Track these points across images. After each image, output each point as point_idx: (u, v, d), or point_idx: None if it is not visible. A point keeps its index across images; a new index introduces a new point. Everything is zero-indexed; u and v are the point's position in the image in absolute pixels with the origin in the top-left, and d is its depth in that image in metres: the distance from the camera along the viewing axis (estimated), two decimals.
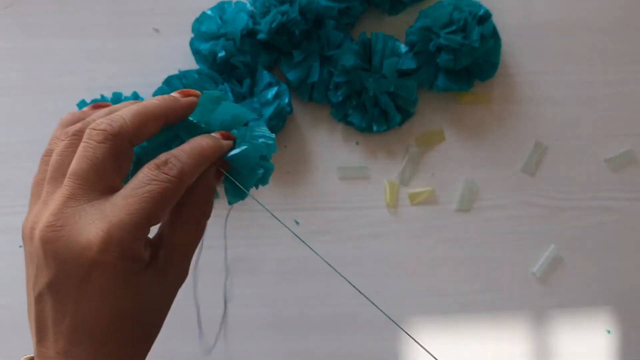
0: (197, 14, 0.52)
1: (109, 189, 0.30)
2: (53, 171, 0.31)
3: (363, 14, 0.54)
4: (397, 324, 0.38)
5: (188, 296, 0.53)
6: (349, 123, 0.53)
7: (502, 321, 0.53)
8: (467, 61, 0.50)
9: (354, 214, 0.53)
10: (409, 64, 0.51)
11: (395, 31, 0.53)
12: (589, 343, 0.53)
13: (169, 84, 0.51)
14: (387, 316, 0.42)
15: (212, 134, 0.33)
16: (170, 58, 0.54)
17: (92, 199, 0.29)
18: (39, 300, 0.30)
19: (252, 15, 0.51)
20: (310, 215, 0.53)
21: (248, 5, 0.52)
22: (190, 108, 0.33)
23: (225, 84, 0.50)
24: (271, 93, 0.51)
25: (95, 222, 0.29)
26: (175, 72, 0.52)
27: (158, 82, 0.51)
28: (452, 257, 0.53)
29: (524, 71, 0.54)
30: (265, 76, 0.51)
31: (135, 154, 0.33)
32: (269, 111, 0.50)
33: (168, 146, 0.33)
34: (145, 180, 0.30)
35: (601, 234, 0.53)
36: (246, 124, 0.35)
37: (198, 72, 0.51)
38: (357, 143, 0.54)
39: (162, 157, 0.31)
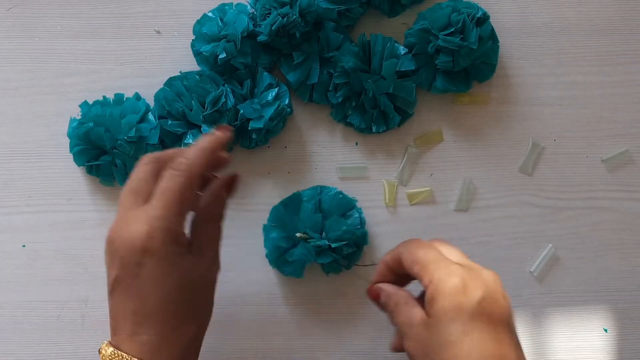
0: (199, 16, 0.53)
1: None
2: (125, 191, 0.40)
3: (362, 16, 0.54)
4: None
5: None
6: (348, 124, 0.53)
7: None
8: (466, 63, 0.50)
9: None
10: (408, 65, 0.51)
11: (394, 33, 0.53)
12: (585, 342, 0.53)
13: (171, 85, 0.51)
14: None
15: (211, 130, 0.43)
16: (171, 59, 0.54)
17: (138, 207, 0.38)
18: (111, 296, 0.38)
19: (252, 17, 0.51)
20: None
21: (249, 7, 0.53)
22: (228, 139, 0.42)
23: (226, 85, 0.51)
24: (271, 94, 0.51)
25: (141, 220, 0.37)
26: (177, 73, 0.52)
27: (159, 83, 0.52)
28: None
29: (522, 72, 0.55)
30: (266, 77, 0.51)
31: None
32: (269, 112, 0.50)
33: None
34: (164, 180, 0.38)
35: (598, 234, 0.54)
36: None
37: (199, 73, 0.51)
38: (356, 143, 0.54)
39: (175, 159, 0.39)
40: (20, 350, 0.53)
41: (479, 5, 0.51)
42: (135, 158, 0.51)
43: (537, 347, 0.53)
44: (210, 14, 0.52)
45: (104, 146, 0.50)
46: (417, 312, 0.38)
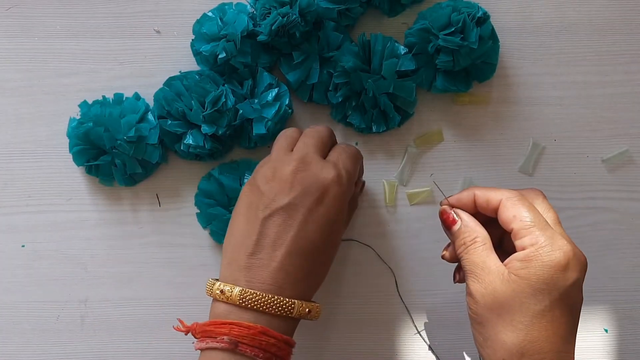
0: (198, 16, 0.52)
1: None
2: (306, 140, 0.45)
3: (362, 15, 0.54)
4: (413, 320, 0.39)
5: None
6: (348, 124, 0.53)
7: None
8: (466, 62, 0.50)
9: (354, 213, 0.53)
10: (408, 65, 0.51)
11: (394, 33, 0.53)
12: (586, 342, 0.53)
13: (170, 85, 0.51)
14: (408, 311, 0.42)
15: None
16: (171, 59, 0.54)
17: (323, 158, 0.44)
18: (266, 220, 0.41)
19: (252, 17, 0.51)
20: None
21: (248, 7, 0.53)
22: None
23: (226, 85, 0.51)
24: (271, 94, 0.51)
25: (330, 168, 0.42)
26: (177, 73, 0.52)
27: (159, 83, 0.52)
28: None
29: (522, 72, 0.54)
30: (266, 77, 0.51)
31: None
32: (270, 112, 0.50)
33: None
34: (345, 151, 0.45)
35: (598, 234, 0.54)
36: None
37: (199, 73, 0.51)
38: (356, 143, 0.54)
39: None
40: (20, 350, 0.53)
41: (479, 4, 0.51)
42: (135, 158, 0.51)
43: None
44: (210, 14, 0.52)
45: (104, 146, 0.50)
46: (494, 260, 0.39)
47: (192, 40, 0.52)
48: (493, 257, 0.39)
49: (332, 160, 0.43)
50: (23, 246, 0.53)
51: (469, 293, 0.40)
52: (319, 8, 0.51)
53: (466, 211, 0.42)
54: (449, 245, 0.44)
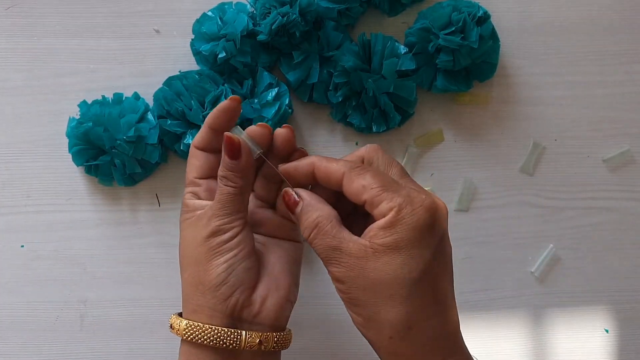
0: (198, 15, 0.52)
1: None
2: None
3: (362, 15, 0.54)
4: None
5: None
6: (348, 123, 0.53)
7: (501, 320, 0.53)
8: (466, 62, 0.50)
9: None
10: (408, 64, 0.51)
11: (394, 32, 0.53)
12: (586, 342, 0.53)
13: (170, 84, 0.51)
14: None
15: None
16: (171, 59, 0.54)
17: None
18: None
19: (252, 17, 0.51)
20: None
21: (248, 7, 0.53)
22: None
23: (225, 85, 0.51)
24: (271, 94, 0.51)
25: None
26: (176, 72, 0.52)
27: (159, 82, 0.52)
28: None
29: (523, 72, 0.54)
30: (266, 77, 0.51)
31: None
32: (270, 112, 0.50)
33: None
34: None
35: (599, 234, 0.54)
36: None
37: (199, 72, 0.51)
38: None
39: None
40: (19, 351, 0.53)
41: (479, 4, 0.51)
42: (134, 158, 0.51)
43: (538, 347, 0.53)
44: (209, 13, 0.52)
45: (103, 146, 0.50)
46: (350, 237, 0.35)
47: (192, 39, 0.52)
48: (346, 235, 0.35)
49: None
50: (22, 246, 0.53)
51: (334, 279, 0.36)
52: (319, 7, 0.51)
53: (307, 183, 0.38)
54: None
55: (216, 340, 0.37)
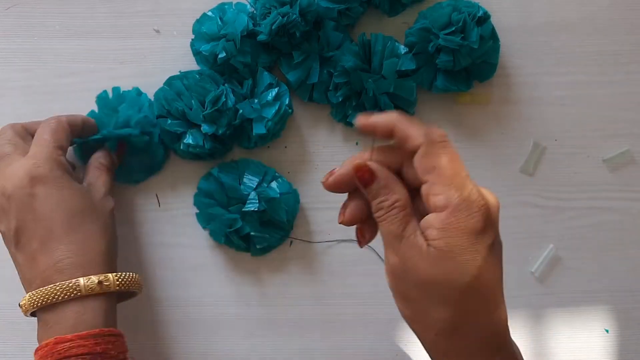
0: (198, 15, 0.52)
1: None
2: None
3: (363, 15, 0.54)
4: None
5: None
6: (348, 123, 0.53)
7: None
8: (466, 62, 0.50)
9: None
10: (409, 64, 0.51)
11: (394, 32, 0.53)
12: (587, 342, 0.53)
13: (170, 84, 0.51)
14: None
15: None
16: (171, 59, 0.54)
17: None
18: (17, 248, 0.44)
19: (252, 17, 0.51)
20: (311, 215, 0.53)
21: (248, 7, 0.53)
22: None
23: (226, 85, 0.51)
24: (271, 94, 0.51)
25: (22, 160, 0.43)
26: (176, 72, 0.52)
27: (159, 82, 0.52)
28: None
29: (523, 72, 0.54)
30: (266, 77, 0.51)
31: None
32: (270, 112, 0.50)
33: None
34: (38, 130, 0.46)
35: (599, 234, 0.54)
36: None
37: (199, 72, 0.51)
38: (356, 143, 0.54)
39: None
40: (18, 351, 0.53)
41: (479, 4, 0.51)
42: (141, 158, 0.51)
43: (538, 347, 0.53)
44: (209, 13, 0.52)
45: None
46: (414, 230, 0.35)
47: (192, 39, 0.52)
48: (412, 226, 0.35)
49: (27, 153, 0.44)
50: None
51: (388, 267, 0.36)
52: (319, 8, 0.51)
53: (376, 136, 0.36)
54: (345, 206, 0.38)
55: (59, 294, 0.40)
